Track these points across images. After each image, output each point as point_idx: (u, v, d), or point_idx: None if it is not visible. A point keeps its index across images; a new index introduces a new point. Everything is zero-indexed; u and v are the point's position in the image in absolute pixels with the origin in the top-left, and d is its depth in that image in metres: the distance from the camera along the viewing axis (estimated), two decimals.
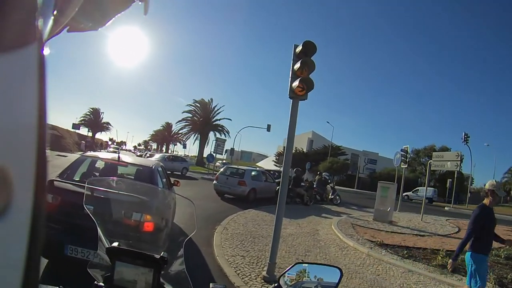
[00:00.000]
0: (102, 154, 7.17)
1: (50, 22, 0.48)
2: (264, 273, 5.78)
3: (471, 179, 45.16)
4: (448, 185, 37.91)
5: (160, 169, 6.68)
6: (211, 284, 1.51)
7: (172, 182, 7.77)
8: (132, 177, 6.13)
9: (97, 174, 6.16)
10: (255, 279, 5.69)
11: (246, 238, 8.38)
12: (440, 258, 7.71)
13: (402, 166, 19.13)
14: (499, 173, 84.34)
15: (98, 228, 1.68)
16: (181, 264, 1.69)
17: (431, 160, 17.51)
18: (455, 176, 36.15)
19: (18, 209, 0.36)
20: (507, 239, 4.82)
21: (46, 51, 0.41)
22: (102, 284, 1.44)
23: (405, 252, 8.31)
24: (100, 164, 6.45)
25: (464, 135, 40.74)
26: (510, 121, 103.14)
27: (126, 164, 6.17)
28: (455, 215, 22.74)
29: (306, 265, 1.52)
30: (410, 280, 6.52)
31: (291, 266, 1.48)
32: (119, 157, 5.77)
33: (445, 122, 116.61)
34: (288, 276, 1.49)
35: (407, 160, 19.25)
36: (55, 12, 0.56)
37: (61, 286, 1.32)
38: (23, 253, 0.37)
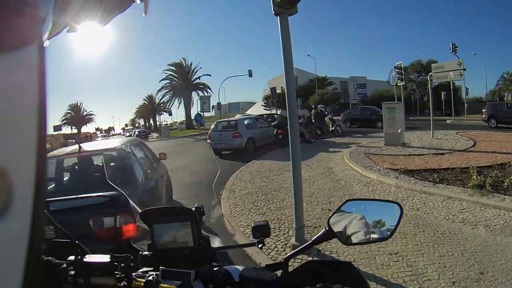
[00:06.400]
0: (59, 150, 5.68)
1: (50, 22, 0.48)
2: (292, 240, 4.80)
3: (466, 89, 44.19)
4: (443, 98, 37.02)
5: (132, 147, 5.33)
6: (253, 223, 1.50)
7: (158, 156, 6.61)
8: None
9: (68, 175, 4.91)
10: (284, 251, 4.65)
11: (257, 197, 7.32)
12: (474, 178, 6.84)
13: (399, 84, 18.08)
14: (492, 81, 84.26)
15: (129, 199, 1.80)
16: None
17: (431, 73, 16.35)
18: (451, 87, 35.55)
19: (18, 209, 0.36)
20: None
21: (46, 51, 0.41)
22: (147, 252, 1.42)
23: (435, 176, 7.43)
24: (69, 162, 5.05)
25: (452, 45, 38.56)
26: (496, 28, 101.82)
27: (89, 154, 4.80)
28: (460, 127, 21.79)
29: (359, 201, 1.38)
30: (454, 209, 5.70)
31: (341, 204, 1.30)
32: (80, 147, 4.53)
33: (426, 36, 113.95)
34: (338, 217, 1.30)
35: (403, 77, 18.17)
36: (55, 12, 0.57)
37: (129, 254, 1.28)
38: (23, 253, 0.37)
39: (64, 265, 1.29)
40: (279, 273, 1.28)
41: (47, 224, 1.48)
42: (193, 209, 1.42)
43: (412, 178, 7.48)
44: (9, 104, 0.36)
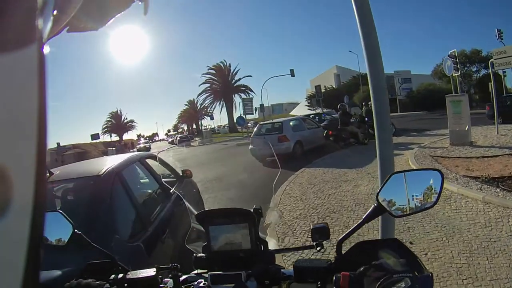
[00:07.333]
0: None
1: (50, 22, 0.49)
2: None
3: None
4: (490, 89, 34.22)
5: (126, 171, 3.52)
6: (311, 224, 1.51)
7: (181, 174, 5.23)
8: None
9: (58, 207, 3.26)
10: None
11: (312, 222, 5.85)
12: None
13: (454, 75, 16.43)
14: None
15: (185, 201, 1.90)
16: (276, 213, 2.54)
17: (492, 59, 14.28)
18: (502, 77, 33.33)
19: (18, 208, 0.36)
20: None
21: (46, 51, 0.41)
22: (202, 254, 1.41)
23: None
24: (60, 189, 3.35)
25: (498, 31, 35.17)
26: None
27: (57, 184, 3.27)
28: None
29: (403, 173, 1.30)
30: None
31: (387, 178, 1.27)
32: (50, 173, 3.22)
33: (467, 25, 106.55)
34: (385, 191, 1.27)
35: (458, 66, 16.34)
36: (55, 12, 0.59)
37: (175, 264, 1.30)
38: (23, 253, 0.37)
39: (107, 285, 1.26)
40: (332, 258, 1.24)
41: (83, 246, 1.40)
42: (252, 210, 1.38)
43: (498, 190, 5.94)
44: (9, 104, 0.36)
